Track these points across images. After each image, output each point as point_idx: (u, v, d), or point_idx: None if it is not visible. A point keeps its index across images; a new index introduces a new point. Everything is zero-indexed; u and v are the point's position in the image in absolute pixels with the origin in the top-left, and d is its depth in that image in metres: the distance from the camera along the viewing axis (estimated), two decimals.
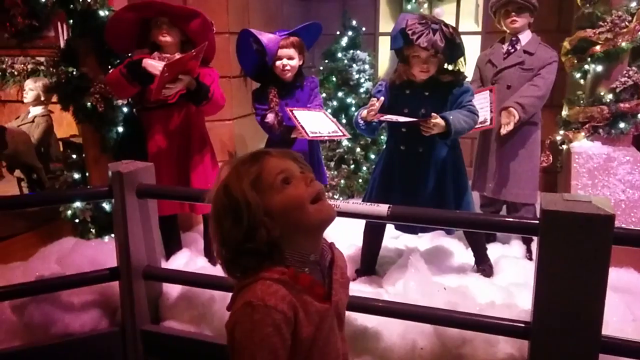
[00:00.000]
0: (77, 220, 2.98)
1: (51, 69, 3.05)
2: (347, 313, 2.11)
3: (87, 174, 3.05)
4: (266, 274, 1.05)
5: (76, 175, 3.09)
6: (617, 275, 2.47)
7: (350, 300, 2.07)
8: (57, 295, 2.31)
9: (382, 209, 1.93)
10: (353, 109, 3.77)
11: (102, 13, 2.80)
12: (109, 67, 2.89)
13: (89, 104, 2.79)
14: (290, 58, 2.83)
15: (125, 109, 2.95)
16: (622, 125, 2.98)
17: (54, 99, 3.57)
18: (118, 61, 2.90)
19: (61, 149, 4.58)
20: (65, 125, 4.72)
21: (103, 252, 2.56)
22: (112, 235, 2.75)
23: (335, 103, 3.80)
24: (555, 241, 1.67)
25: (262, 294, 1.02)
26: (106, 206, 2.97)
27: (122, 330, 2.35)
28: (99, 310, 2.37)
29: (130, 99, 2.88)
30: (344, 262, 1.24)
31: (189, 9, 2.68)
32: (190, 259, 2.80)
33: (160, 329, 2.36)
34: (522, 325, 1.85)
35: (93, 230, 3.02)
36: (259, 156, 1.10)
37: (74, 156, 3.22)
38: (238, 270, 1.10)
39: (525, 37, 2.95)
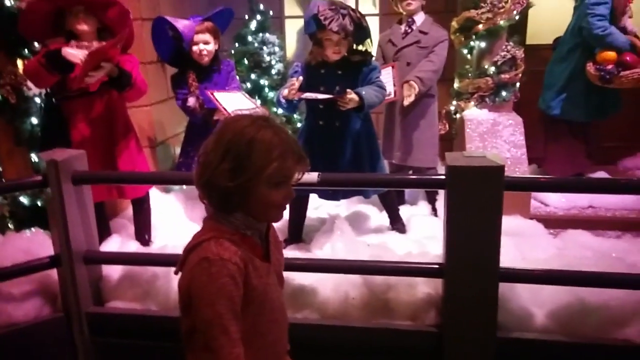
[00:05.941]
0: None
1: None
2: (285, 274, 2.34)
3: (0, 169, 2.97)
4: (217, 234, 1.21)
5: None
6: (507, 222, 2.85)
7: (286, 262, 2.32)
8: None
9: (312, 176, 2.15)
10: (267, 90, 3.92)
11: (8, 2, 2.73)
12: (18, 57, 2.82)
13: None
14: (206, 43, 2.96)
15: (37, 100, 2.90)
16: (504, 93, 3.43)
17: None
18: (27, 51, 2.85)
19: None
20: None
21: (34, 242, 2.56)
22: (33, 229, 2.74)
23: (249, 85, 3.92)
24: (460, 192, 2.00)
25: (217, 249, 1.18)
26: (24, 200, 2.92)
27: (66, 315, 2.40)
28: (40, 298, 2.40)
29: (48, 89, 2.84)
30: (274, 228, 1.43)
31: None
32: (122, 243, 2.86)
33: (105, 309, 2.44)
34: (437, 266, 2.18)
35: (11, 226, 2.96)
36: (284, 147, 1.18)
37: None
38: (204, 195, 1.23)
39: (420, 18, 3.27)
